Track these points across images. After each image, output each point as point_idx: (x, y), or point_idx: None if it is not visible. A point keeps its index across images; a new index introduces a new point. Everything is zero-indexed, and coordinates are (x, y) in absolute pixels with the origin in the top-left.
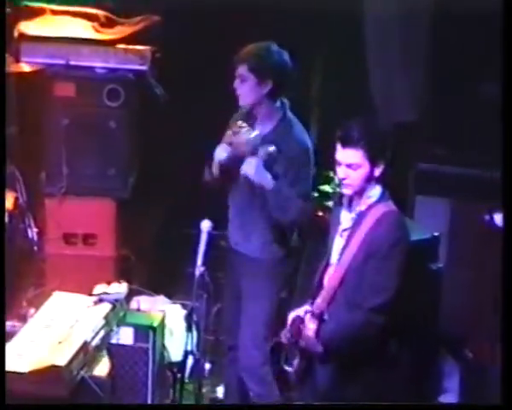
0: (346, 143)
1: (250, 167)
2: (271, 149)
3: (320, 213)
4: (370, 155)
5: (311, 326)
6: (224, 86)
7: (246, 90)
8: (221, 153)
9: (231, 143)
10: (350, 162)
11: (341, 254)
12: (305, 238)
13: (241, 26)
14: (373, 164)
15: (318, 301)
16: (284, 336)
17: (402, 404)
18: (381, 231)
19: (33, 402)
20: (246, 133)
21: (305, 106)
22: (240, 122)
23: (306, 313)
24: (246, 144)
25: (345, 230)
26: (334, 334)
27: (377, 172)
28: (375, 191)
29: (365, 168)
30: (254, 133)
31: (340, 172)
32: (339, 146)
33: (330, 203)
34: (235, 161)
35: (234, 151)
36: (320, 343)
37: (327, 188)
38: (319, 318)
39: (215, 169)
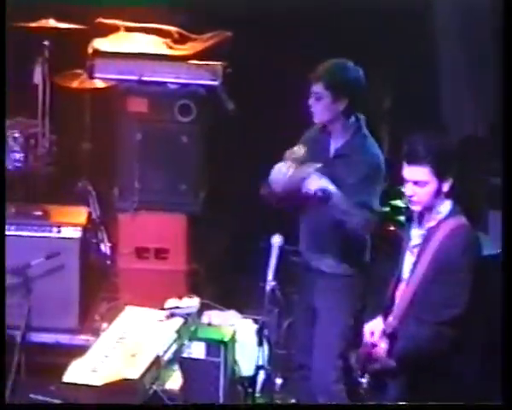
0: (412, 160)
1: (311, 183)
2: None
3: (392, 228)
4: (437, 171)
5: (382, 345)
6: (297, 102)
7: (321, 108)
8: (279, 173)
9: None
10: (416, 179)
11: (412, 270)
12: (377, 253)
13: (311, 40)
14: (440, 180)
15: (390, 319)
16: (355, 361)
17: (402, 404)
18: (451, 245)
19: None
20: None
21: (377, 120)
22: (300, 147)
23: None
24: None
25: (415, 246)
26: (405, 351)
27: (445, 187)
28: (445, 207)
29: (433, 185)
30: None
31: (408, 189)
32: (405, 163)
33: (402, 218)
34: (294, 182)
35: (292, 177)
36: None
37: (399, 203)
38: (391, 336)
39: (274, 185)
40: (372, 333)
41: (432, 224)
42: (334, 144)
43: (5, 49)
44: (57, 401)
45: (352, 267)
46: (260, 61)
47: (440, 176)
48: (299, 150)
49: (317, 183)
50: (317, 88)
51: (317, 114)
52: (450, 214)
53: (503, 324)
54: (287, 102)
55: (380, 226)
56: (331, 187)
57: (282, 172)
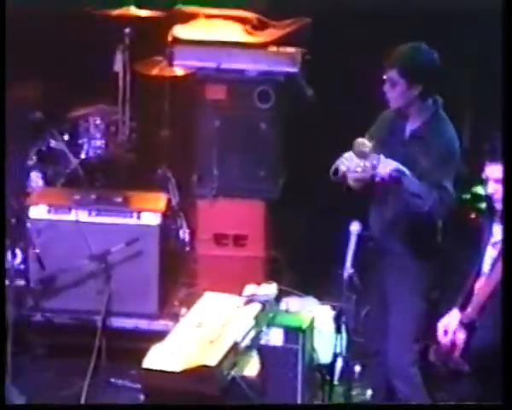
0: (493, 158)
1: (383, 168)
2: None
3: (473, 216)
4: None
5: (460, 336)
6: (374, 87)
7: (397, 94)
8: (346, 162)
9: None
10: (497, 177)
11: (493, 265)
12: (455, 240)
13: (389, 27)
14: None
15: (469, 310)
16: (433, 353)
17: (402, 404)
18: None
19: (184, 401)
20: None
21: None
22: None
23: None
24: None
25: (497, 242)
26: (484, 343)
27: None
28: None
29: None
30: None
31: (489, 187)
32: (486, 162)
33: (483, 205)
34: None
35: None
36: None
37: (479, 190)
38: (469, 327)
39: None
40: (446, 330)
41: None
42: (410, 126)
43: (5, 50)
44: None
45: (423, 248)
46: (338, 47)
47: None
48: (366, 143)
49: (388, 165)
50: (392, 74)
51: (393, 100)
52: None
53: (504, 324)
54: (364, 88)
55: (461, 214)
56: (402, 168)
57: (353, 163)
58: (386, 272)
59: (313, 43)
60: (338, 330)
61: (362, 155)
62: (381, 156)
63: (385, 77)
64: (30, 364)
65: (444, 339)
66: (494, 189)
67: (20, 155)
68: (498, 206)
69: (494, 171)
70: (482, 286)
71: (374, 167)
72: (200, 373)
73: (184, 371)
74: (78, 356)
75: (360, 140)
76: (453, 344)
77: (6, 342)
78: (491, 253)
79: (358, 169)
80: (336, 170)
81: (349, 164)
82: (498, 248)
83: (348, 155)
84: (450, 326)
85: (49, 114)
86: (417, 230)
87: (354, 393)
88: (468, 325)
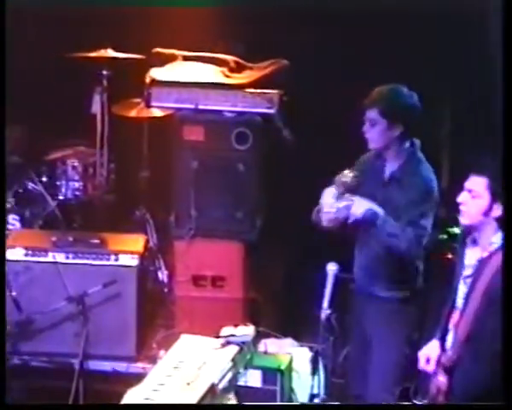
0: (474, 169)
1: (357, 208)
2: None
3: (449, 256)
4: (493, 188)
5: (441, 379)
6: (351, 128)
7: (376, 135)
8: (328, 198)
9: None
10: (471, 188)
11: (466, 301)
12: (432, 279)
13: (366, 69)
14: (493, 199)
15: (449, 352)
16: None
17: (402, 404)
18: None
19: None
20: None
21: (436, 147)
22: (350, 171)
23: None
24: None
25: (467, 276)
26: (466, 388)
27: (496, 211)
28: (498, 238)
29: (485, 200)
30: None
31: (461, 196)
32: (471, 173)
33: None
34: (340, 213)
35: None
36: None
37: (456, 230)
38: (450, 370)
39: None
40: (428, 359)
41: (484, 254)
42: (389, 168)
43: (5, 50)
44: None
45: (406, 292)
46: (316, 88)
47: (494, 195)
48: (348, 174)
49: (362, 206)
50: (372, 114)
51: (372, 141)
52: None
53: (504, 324)
54: (342, 128)
55: (437, 254)
56: (376, 208)
57: (327, 203)
58: (368, 314)
59: (290, 84)
60: (314, 372)
61: (342, 185)
62: (356, 197)
63: (365, 117)
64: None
65: (427, 367)
66: (464, 198)
67: None
68: (464, 221)
69: (471, 182)
70: (459, 323)
71: (347, 208)
72: None
73: None
74: (55, 399)
75: (344, 171)
76: (437, 389)
77: (5, 343)
78: (462, 288)
79: (332, 210)
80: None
81: (324, 203)
82: (469, 283)
83: (327, 192)
84: (432, 354)
85: (27, 157)
86: (399, 273)
87: None
88: (449, 368)
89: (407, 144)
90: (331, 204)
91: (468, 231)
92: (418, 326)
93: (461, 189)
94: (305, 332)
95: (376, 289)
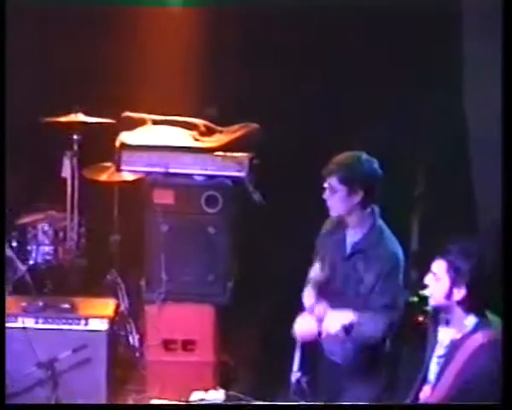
0: (438, 252)
1: (329, 325)
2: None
3: (420, 318)
4: (452, 273)
5: None
6: (319, 193)
7: (336, 201)
8: (301, 326)
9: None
10: (434, 271)
11: (437, 379)
12: (402, 343)
13: (332, 133)
14: (453, 283)
15: None
16: None
17: (402, 404)
18: (475, 365)
19: None
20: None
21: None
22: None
23: None
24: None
25: (440, 356)
26: None
27: (457, 294)
28: (470, 321)
29: (445, 283)
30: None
31: (426, 278)
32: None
33: (430, 308)
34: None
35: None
36: None
37: (427, 292)
38: None
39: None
40: None
41: (457, 336)
42: (351, 239)
43: (5, 50)
44: None
45: (372, 359)
46: (286, 151)
47: (453, 280)
48: (318, 273)
49: (335, 323)
50: (332, 181)
51: (333, 208)
52: (476, 329)
53: (503, 324)
54: (309, 191)
55: (408, 317)
56: (349, 317)
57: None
58: (336, 381)
59: (261, 147)
60: None
61: (315, 284)
62: (329, 312)
63: (325, 185)
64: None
65: None
66: (429, 280)
67: None
68: (431, 302)
69: (435, 264)
70: (427, 397)
71: (320, 320)
72: None
73: None
74: None
75: (313, 268)
76: None
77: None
78: (434, 366)
79: (305, 328)
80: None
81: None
82: (441, 362)
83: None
84: None
85: None
86: (366, 349)
87: None
88: None
89: (368, 211)
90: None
91: (438, 311)
92: (388, 388)
93: (432, 252)
94: (278, 395)
95: (343, 358)
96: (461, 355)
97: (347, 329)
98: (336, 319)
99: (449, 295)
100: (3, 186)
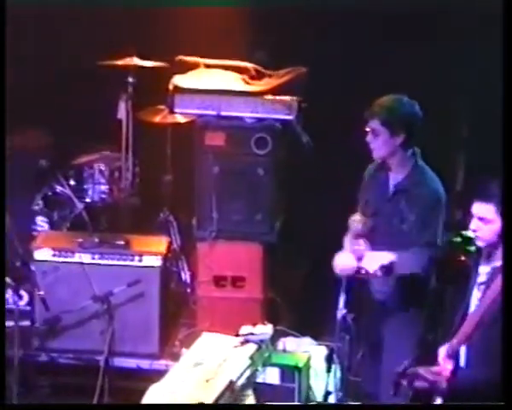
0: (480, 197)
1: (368, 264)
2: None
3: (462, 258)
4: (501, 211)
5: (448, 367)
6: (361, 134)
7: (379, 144)
8: (340, 261)
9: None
10: (482, 216)
11: (478, 306)
12: (448, 283)
13: (377, 77)
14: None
15: (454, 341)
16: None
17: (402, 404)
18: None
19: None
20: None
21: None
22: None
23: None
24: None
25: (481, 283)
26: (469, 382)
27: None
28: None
29: (497, 224)
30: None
31: (473, 224)
32: (474, 199)
33: (473, 248)
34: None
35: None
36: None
37: (469, 233)
38: (454, 358)
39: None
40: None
41: (497, 264)
42: (394, 180)
43: (5, 50)
44: None
45: (418, 298)
46: (333, 95)
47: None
48: (358, 220)
49: (374, 263)
50: (374, 124)
51: (376, 150)
52: None
53: (504, 324)
54: (354, 134)
55: (451, 256)
56: (389, 257)
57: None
58: (380, 317)
59: (309, 91)
60: (329, 370)
61: (355, 232)
62: (368, 252)
63: (367, 128)
64: (35, 401)
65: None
66: (477, 226)
67: (25, 201)
68: (480, 244)
69: (479, 209)
70: (466, 324)
71: (359, 258)
72: None
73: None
74: (81, 396)
75: (353, 218)
76: (439, 374)
77: (5, 345)
78: (476, 294)
79: (346, 265)
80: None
81: (341, 261)
82: (482, 289)
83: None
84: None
85: (56, 161)
86: (410, 281)
87: None
88: (452, 356)
89: (410, 153)
90: (345, 259)
91: (482, 249)
92: (432, 328)
93: (473, 194)
94: (323, 331)
95: (386, 297)
96: (498, 282)
97: (387, 269)
98: (375, 259)
99: (498, 234)
100: (3, 186)
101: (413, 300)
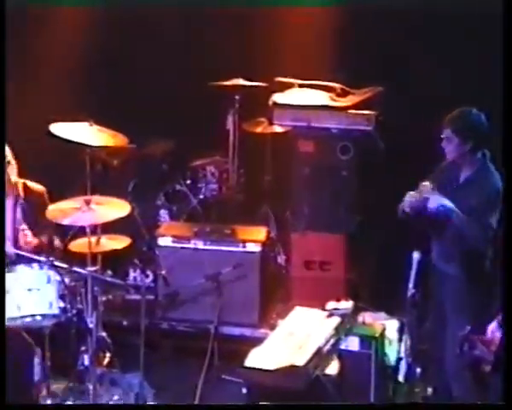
0: None
1: (432, 202)
2: None
3: None
4: None
5: (497, 335)
6: (432, 142)
7: (451, 149)
8: (408, 199)
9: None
10: None
11: None
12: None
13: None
14: None
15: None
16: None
17: (403, 404)
18: None
19: (275, 394)
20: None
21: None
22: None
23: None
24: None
25: None
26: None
27: None
28: None
29: None
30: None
31: None
32: None
33: None
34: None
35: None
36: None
37: None
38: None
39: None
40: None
41: None
42: (463, 175)
43: (5, 50)
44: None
45: (476, 274)
46: (404, 108)
47: None
48: (427, 184)
49: (437, 201)
50: (447, 133)
51: (449, 154)
52: None
53: (503, 324)
54: (426, 142)
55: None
56: (449, 204)
57: (411, 196)
58: (443, 291)
59: (385, 106)
60: (400, 339)
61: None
62: (435, 193)
63: (442, 135)
64: (159, 364)
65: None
66: None
67: (151, 197)
68: None
69: None
70: None
71: (426, 199)
72: (289, 371)
73: (277, 370)
74: (195, 357)
75: (426, 182)
76: (491, 341)
77: (5, 345)
78: None
79: (413, 198)
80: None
81: (409, 196)
82: None
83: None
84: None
85: (176, 165)
86: (468, 255)
87: (417, 390)
88: (501, 328)
89: (479, 155)
90: (413, 194)
91: None
92: (485, 305)
93: None
94: (395, 307)
95: (450, 271)
96: None
97: (446, 211)
98: (438, 199)
99: None
100: (3, 185)
101: (473, 274)
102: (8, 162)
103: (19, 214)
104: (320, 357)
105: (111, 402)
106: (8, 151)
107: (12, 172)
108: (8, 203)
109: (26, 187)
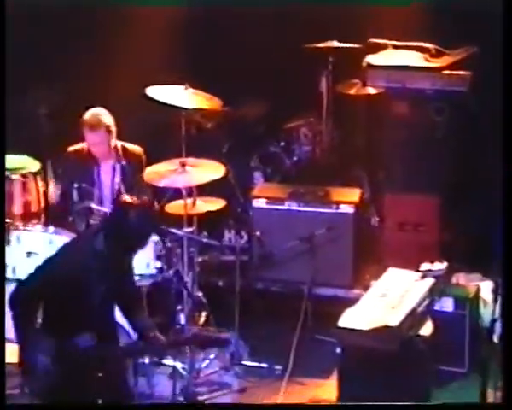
0: None
1: None
2: None
3: None
4: None
5: None
6: None
7: None
8: None
9: None
10: None
11: None
12: None
13: None
14: None
15: None
16: None
17: (403, 404)
18: None
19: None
20: None
21: None
22: None
23: None
24: None
25: None
26: None
27: None
28: None
29: None
30: None
31: None
32: None
33: None
34: None
35: None
36: None
37: None
38: None
39: None
40: None
41: None
42: None
43: (5, 49)
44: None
45: None
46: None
47: None
48: None
49: None
50: None
51: None
52: None
53: (503, 324)
54: None
55: None
56: None
57: None
58: None
59: (480, 67)
60: (495, 300)
61: None
62: None
63: None
64: (253, 324)
65: None
66: None
67: (246, 159)
68: None
69: None
70: None
71: None
72: (383, 332)
73: (371, 330)
74: (289, 317)
75: None
76: None
77: (4, 345)
78: None
79: None
80: None
81: None
82: None
83: None
84: None
85: (270, 127)
86: None
87: None
88: None
89: None
90: None
91: None
92: None
93: None
94: (490, 268)
95: None
96: None
97: None
98: None
99: None
100: (3, 185)
101: None
102: (109, 128)
103: (118, 177)
104: (414, 318)
105: (207, 360)
106: (109, 118)
107: (112, 136)
108: (107, 166)
109: (124, 149)
